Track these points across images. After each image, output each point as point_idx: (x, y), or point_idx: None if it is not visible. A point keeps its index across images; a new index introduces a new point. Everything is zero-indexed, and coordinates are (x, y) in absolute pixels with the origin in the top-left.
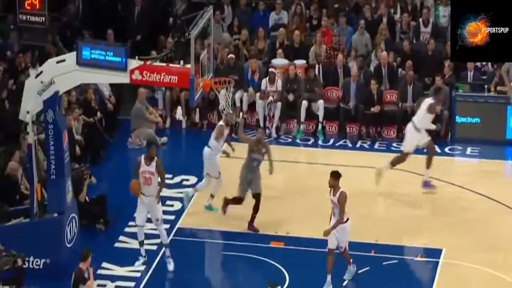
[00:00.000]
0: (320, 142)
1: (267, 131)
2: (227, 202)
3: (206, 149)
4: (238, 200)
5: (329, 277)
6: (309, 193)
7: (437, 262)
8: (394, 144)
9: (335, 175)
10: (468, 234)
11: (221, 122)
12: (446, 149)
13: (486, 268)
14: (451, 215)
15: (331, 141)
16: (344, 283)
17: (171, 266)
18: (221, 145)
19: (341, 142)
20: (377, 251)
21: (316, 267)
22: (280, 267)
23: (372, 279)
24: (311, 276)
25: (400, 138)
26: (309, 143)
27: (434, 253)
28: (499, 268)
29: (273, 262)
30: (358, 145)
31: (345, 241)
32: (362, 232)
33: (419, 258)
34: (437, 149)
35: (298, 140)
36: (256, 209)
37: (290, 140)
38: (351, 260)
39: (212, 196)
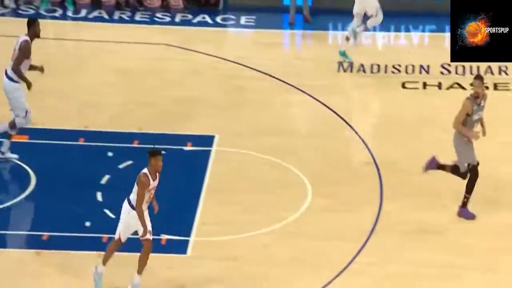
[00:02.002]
0: (69, 13)
1: (5, 1)
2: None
3: None
4: (462, 175)
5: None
6: (59, 75)
7: (210, 151)
8: (159, 14)
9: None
10: (243, 117)
11: None
12: (218, 19)
13: (263, 154)
14: (224, 96)
15: (83, 12)
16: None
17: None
18: None
19: (95, 14)
20: (141, 141)
21: (70, 160)
22: (23, 164)
23: (136, 173)
24: (61, 173)
25: (165, 6)
26: (57, 14)
27: (205, 140)
28: (275, 153)
29: (15, 161)
30: (116, 17)
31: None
32: (123, 120)
33: (189, 147)
34: (208, 20)
35: (42, 11)
36: (472, 185)
37: (32, 11)
38: None
39: (348, 38)
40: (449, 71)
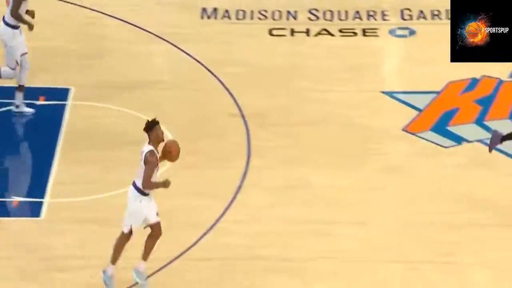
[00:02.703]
0: None
1: None
2: None
3: None
4: None
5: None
6: None
7: (64, 105)
8: None
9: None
10: (101, 68)
11: None
12: None
13: (123, 107)
14: (81, 46)
15: None
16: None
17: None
18: None
19: None
20: None
21: None
22: None
23: None
24: None
25: None
26: None
27: (60, 93)
28: (136, 106)
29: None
30: None
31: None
32: None
33: (42, 101)
34: None
35: None
36: None
37: None
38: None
39: None
40: (317, 17)
